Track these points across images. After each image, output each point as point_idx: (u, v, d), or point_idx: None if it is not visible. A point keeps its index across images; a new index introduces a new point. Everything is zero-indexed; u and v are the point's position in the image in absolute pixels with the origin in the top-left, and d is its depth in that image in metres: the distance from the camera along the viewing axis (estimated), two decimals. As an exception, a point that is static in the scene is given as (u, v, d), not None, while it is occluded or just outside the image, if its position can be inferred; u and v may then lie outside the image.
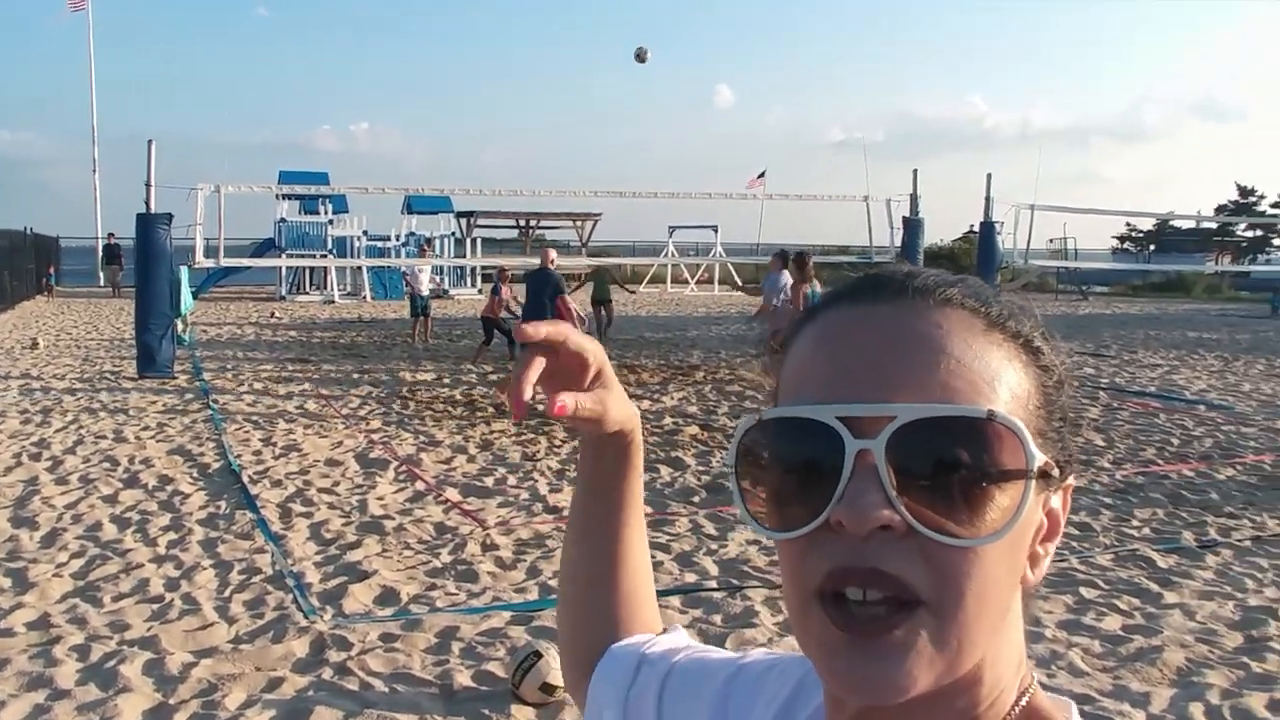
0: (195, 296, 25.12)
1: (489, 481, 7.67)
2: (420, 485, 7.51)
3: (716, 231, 36.24)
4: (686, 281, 36.23)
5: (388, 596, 5.25)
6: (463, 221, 33.85)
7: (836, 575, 0.56)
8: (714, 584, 5.46)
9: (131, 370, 12.85)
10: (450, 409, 10.82)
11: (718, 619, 4.97)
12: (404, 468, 8.04)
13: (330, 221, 29.33)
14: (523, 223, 36.75)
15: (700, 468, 8.15)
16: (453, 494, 7.28)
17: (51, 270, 31.66)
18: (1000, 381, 0.58)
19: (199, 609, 5.00)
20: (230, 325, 20.37)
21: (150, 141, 13.15)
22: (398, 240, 29.76)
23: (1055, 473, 0.59)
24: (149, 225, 13.00)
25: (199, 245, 15.29)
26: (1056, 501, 0.62)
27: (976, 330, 0.59)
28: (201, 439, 8.99)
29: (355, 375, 13.27)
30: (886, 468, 0.55)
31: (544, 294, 11.96)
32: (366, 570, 5.60)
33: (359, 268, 28.71)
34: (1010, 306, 0.62)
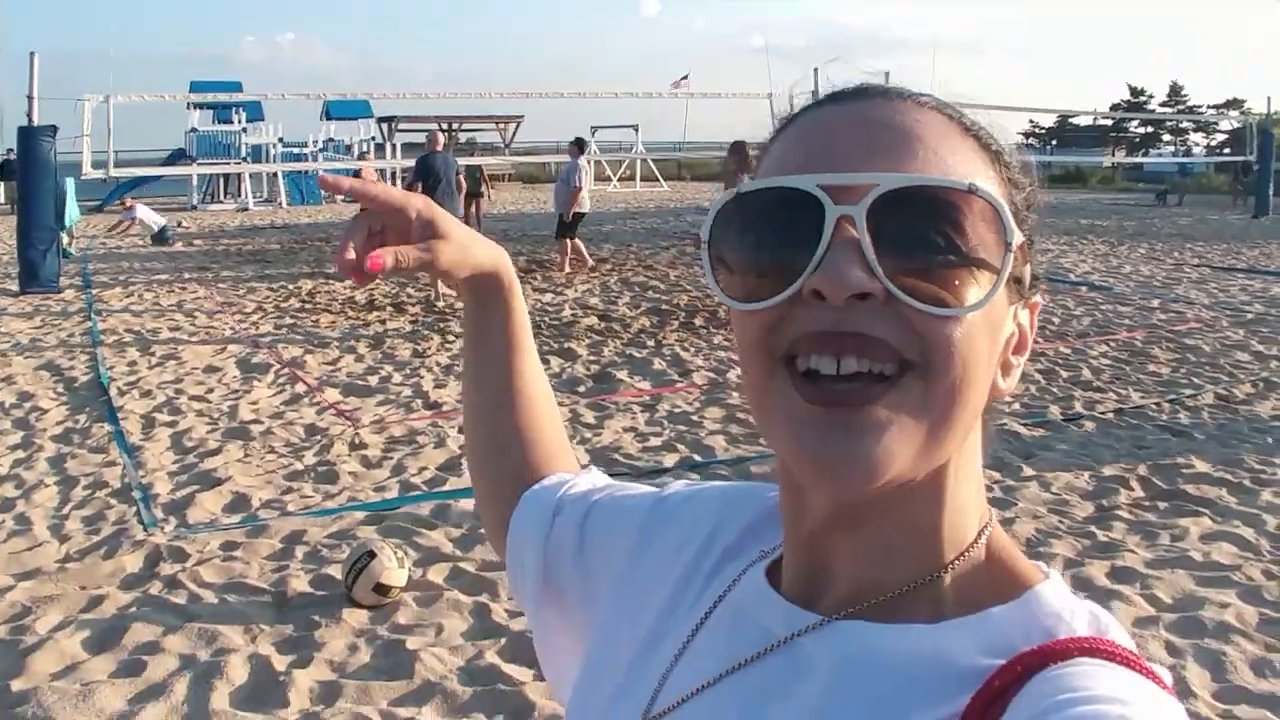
0: (101, 209, 24.32)
1: (373, 380, 7.34)
2: (300, 388, 7.15)
3: (637, 131, 36.77)
4: (609, 179, 36.35)
5: (238, 503, 4.95)
6: (384, 126, 33.70)
7: (813, 339, 0.53)
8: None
9: (14, 287, 12.20)
10: (348, 309, 10.40)
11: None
12: (286, 370, 7.67)
13: (244, 130, 28.53)
14: (445, 126, 36.31)
15: (591, 358, 7.88)
16: (332, 394, 6.94)
17: None
18: (975, 179, 0.55)
19: (30, 529, 4.66)
20: (132, 236, 19.54)
21: (32, 54, 12.99)
22: (315, 146, 29.16)
23: (1026, 276, 0.59)
24: (31, 138, 12.51)
25: (86, 157, 14.66)
26: (1025, 318, 0.62)
27: (954, 133, 0.58)
28: (74, 353, 8.51)
29: (255, 281, 12.75)
30: (867, 235, 0.53)
31: (449, 175, 11.56)
32: (220, 477, 5.28)
33: (275, 174, 27.90)
34: (982, 120, 0.61)
